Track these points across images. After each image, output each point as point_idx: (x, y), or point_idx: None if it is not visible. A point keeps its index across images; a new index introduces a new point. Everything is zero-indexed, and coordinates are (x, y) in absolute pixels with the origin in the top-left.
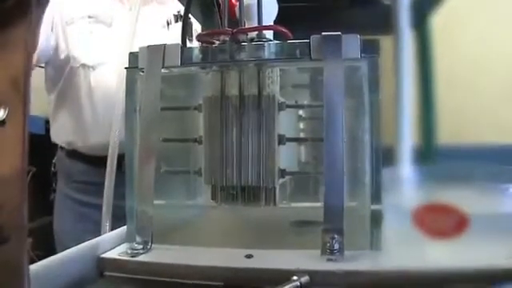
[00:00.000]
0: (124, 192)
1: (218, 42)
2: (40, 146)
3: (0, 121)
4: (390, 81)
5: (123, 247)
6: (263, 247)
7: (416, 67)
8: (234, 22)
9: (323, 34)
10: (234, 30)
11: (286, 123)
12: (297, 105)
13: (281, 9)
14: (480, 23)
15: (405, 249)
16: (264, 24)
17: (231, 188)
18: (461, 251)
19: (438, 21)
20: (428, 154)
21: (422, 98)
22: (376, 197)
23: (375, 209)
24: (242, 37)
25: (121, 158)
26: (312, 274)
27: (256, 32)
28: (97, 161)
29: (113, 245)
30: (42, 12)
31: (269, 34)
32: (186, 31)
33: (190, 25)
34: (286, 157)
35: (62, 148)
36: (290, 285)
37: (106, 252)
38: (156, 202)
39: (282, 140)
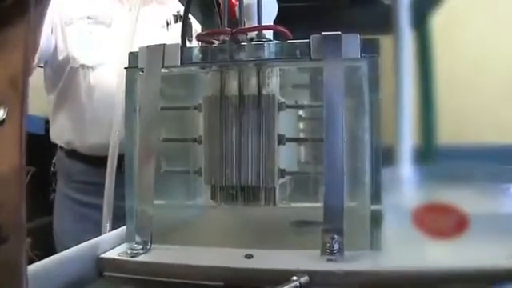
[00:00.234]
0: (124, 192)
1: (217, 42)
2: (40, 146)
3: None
4: (390, 81)
5: (123, 247)
6: (263, 247)
7: (416, 67)
8: (234, 21)
9: (323, 33)
10: (234, 30)
11: (285, 123)
12: (297, 105)
13: (281, 9)
14: (480, 23)
15: (405, 249)
16: (264, 24)
17: (231, 188)
18: (461, 251)
19: (438, 21)
20: (428, 153)
21: (422, 97)
22: (376, 197)
23: (375, 209)
24: (241, 37)
25: (120, 159)
26: (312, 274)
27: (256, 32)
28: (96, 161)
29: (112, 245)
30: (43, 11)
31: (269, 33)
32: (186, 31)
33: (190, 25)
34: (286, 157)
35: (61, 148)
36: (290, 285)
37: (105, 252)
38: (156, 201)
39: (282, 140)
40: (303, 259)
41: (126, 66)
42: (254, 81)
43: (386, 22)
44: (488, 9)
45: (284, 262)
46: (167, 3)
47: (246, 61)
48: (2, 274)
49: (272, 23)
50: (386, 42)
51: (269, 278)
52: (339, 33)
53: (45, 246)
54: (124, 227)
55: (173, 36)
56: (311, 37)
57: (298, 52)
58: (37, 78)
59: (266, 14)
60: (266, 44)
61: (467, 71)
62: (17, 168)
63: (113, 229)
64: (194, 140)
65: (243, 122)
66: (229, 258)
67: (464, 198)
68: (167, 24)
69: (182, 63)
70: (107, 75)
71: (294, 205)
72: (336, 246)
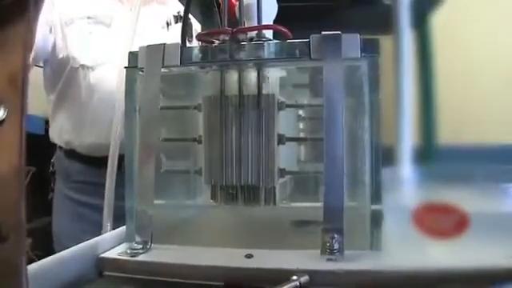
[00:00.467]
0: (123, 192)
1: (217, 42)
2: (39, 146)
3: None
4: (389, 80)
5: (123, 247)
6: (263, 247)
7: (416, 67)
8: (234, 21)
9: (323, 33)
10: (234, 30)
11: (285, 123)
12: (296, 104)
13: (281, 8)
14: (480, 23)
15: (405, 249)
16: (264, 24)
17: (231, 188)
18: (461, 251)
19: (439, 20)
20: (428, 153)
21: (422, 97)
22: (376, 197)
23: (375, 209)
24: (241, 36)
25: (120, 159)
26: (312, 273)
27: (256, 31)
28: (95, 161)
29: (112, 244)
30: (39, 10)
31: (268, 33)
32: (186, 31)
33: (190, 25)
34: (286, 156)
35: (60, 148)
36: (290, 285)
37: (105, 252)
38: (156, 201)
39: (282, 140)
40: (303, 259)
41: (126, 65)
42: (253, 80)
43: (386, 22)
44: (488, 8)
45: (284, 261)
46: (168, 3)
47: (245, 60)
48: (1, 273)
49: (272, 23)
50: (385, 42)
51: (269, 277)
52: (339, 32)
53: (45, 246)
54: (124, 227)
55: (173, 36)
56: (311, 36)
57: (297, 52)
58: (36, 78)
59: (266, 13)
60: (265, 44)
61: (467, 71)
62: (16, 168)
63: (112, 229)
64: (194, 140)
65: (243, 121)
66: (229, 257)
67: (464, 198)
68: (167, 24)
69: (182, 63)
70: (107, 75)
71: (294, 204)
72: (336, 246)
